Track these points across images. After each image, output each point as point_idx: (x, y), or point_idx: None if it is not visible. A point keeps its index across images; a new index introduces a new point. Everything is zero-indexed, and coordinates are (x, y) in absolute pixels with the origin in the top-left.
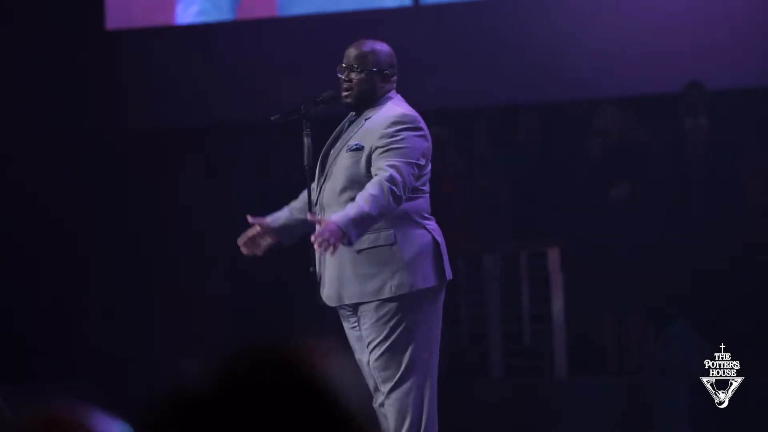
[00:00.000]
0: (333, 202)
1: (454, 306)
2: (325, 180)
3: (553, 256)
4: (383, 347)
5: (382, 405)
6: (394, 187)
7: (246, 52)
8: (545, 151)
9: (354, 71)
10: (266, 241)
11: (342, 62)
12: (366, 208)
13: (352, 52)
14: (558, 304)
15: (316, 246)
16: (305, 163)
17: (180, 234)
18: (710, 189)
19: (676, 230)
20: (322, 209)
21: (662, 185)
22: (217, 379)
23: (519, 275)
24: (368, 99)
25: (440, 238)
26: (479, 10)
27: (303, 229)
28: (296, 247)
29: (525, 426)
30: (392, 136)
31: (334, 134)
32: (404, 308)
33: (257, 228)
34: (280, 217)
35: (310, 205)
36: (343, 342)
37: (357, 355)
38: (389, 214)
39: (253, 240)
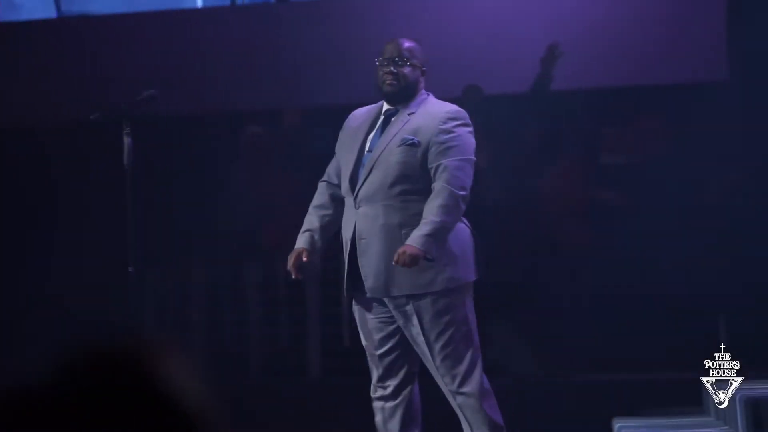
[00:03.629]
0: (380, 195)
1: (273, 305)
2: (369, 173)
3: None
4: (450, 345)
5: (456, 402)
6: (461, 192)
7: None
8: None
9: (402, 64)
10: (312, 262)
11: (385, 54)
12: (438, 219)
13: (396, 45)
14: None
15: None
16: (125, 162)
17: (18, 233)
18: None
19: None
20: (364, 202)
21: None
22: (52, 379)
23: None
24: (410, 92)
25: (474, 234)
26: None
27: (333, 232)
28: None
29: (343, 427)
30: (450, 132)
31: (359, 128)
32: (456, 301)
33: (305, 257)
34: (317, 237)
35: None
36: (173, 341)
37: (369, 345)
38: (460, 216)
39: (302, 265)
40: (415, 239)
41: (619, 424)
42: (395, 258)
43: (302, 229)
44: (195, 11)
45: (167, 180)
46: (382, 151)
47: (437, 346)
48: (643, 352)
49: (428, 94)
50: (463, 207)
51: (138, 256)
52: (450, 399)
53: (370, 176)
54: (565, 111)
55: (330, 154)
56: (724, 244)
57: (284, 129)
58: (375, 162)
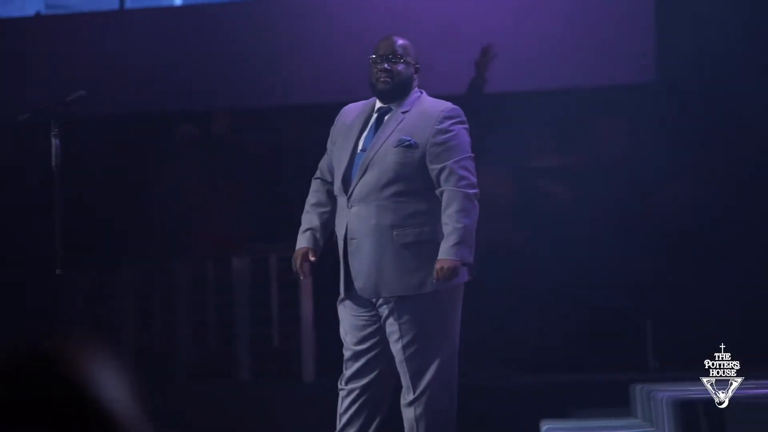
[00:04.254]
0: (373, 196)
1: (203, 308)
2: (364, 173)
3: None
4: (417, 344)
5: (409, 402)
6: (472, 190)
7: None
8: (298, 155)
9: (395, 61)
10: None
11: (378, 51)
12: (460, 225)
13: (390, 43)
14: (307, 307)
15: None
16: (53, 163)
17: None
18: None
19: None
20: (357, 202)
21: None
22: None
23: (268, 278)
24: (404, 89)
25: None
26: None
27: (332, 228)
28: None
29: (272, 428)
30: (447, 132)
31: (352, 125)
32: (442, 304)
33: (312, 256)
34: (319, 236)
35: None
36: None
37: (348, 340)
38: (477, 214)
39: (309, 266)
40: (445, 252)
41: (546, 426)
42: (435, 276)
43: (302, 228)
44: (121, 12)
45: (96, 181)
46: (377, 151)
47: (407, 352)
48: (571, 354)
49: (421, 92)
50: (477, 204)
51: (66, 258)
52: (402, 410)
53: (365, 176)
54: (497, 114)
55: (260, 155)
56: (651, 247)
57: (214, 130)
58: (369, 162)
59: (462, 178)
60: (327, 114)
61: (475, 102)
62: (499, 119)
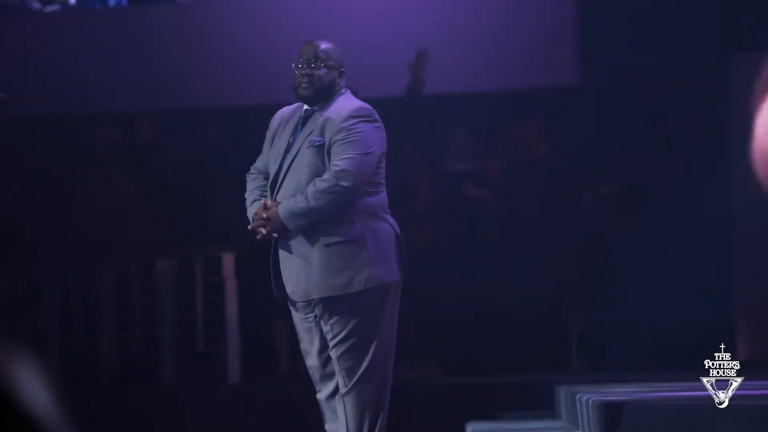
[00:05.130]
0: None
1: (126, 311)
2: (285, 175)
3: (228, 261)
4: (349, 342)
5: (335, 397)
6: (344, 182)
7: None
8: (220, 157)
9: (316, 66)
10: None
11: (301, 57)
12: (312, 203)
13: (312, 47)
14: (232, 309)
15: (250, 227)
16: None
17: None
18: None
19: None
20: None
21: None
22: None
23: (194, 280)
24: (326, 94)
25: (399, 233)
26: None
27: None
28: None
29: (197, 430)
30: (349, 130)
31: (284, 128)
32: (371, 302)
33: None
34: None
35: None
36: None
37: (303, 345)
38: (338, 206)
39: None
40: (284, 209)
41: (472, 428)
42: (253, 215)
43: (249, 204)
44: (42, 12)
45: (16, 183)
46: (296, 154)
47: (339, 350)
48: (496, 355)
49: (345, 92)
50: (342, 198)
51: None
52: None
53: (286, 180)
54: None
55: (184, 158)
56: (575, 248)
57: (137, 132)
58: (289, 165)
59: (343, 170)
60: (251, 116)
61: (414, 105)
62: (421, 121)
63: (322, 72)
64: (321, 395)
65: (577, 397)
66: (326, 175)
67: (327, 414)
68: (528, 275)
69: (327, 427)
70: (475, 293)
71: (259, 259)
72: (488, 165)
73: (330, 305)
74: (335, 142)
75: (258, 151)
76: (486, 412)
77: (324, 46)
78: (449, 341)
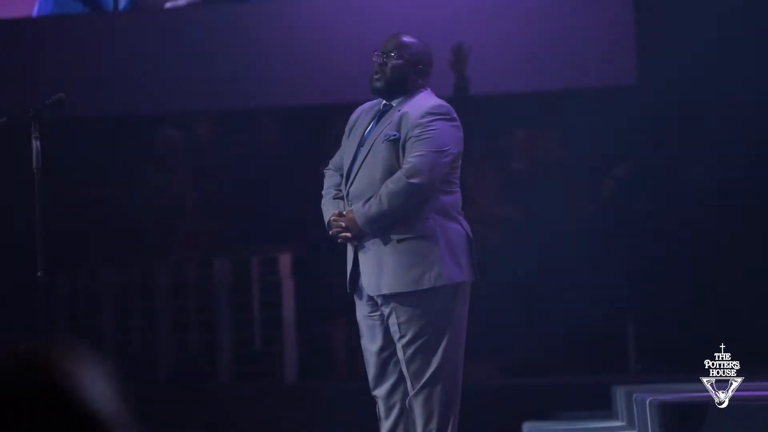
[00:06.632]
0: (369, 192)
1: (184, 311)
2: (359, 169)
3: (285, 261)
4: (417, 343)
5: (391, 395)
6: (414, 179)
7: None
8: (279, 157)
9: (390, 58)
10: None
11: (381, 48)
12: (385, 205)
13: (393, 39)
14: (289, 309)
15: (331, 232)
16: (33, 166)
17: None
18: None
19: None
20: (355, 199)
21: None
22: None
23: (250, 280)
24: (398, 87)
25: (471, 235)
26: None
27: None
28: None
29: (255, 429)
30: (425, 126)
31: (361, 122)
32: (440, 302)
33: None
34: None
35: (346, 195)
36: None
37: (364, 342)
38: (413, 205)
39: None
40: (359, 213)
41: (528, 428)
42: (332, 220)
43: (324, 203)
44: (103, 14)
45: (77, 183)
46: (371, 148)
47: (407, 351)
48: (553, 355)
49: (425, 90)
50: (416, 198)
51: (47, 261)
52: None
53: (360, 173)
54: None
55: (242, 157)
56: (635, 247)
57: (196, 132)
58: (364, 159)
59: (414, 167)
60: (309, 115)
61: (463, 104)
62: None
63: (394, 64)
64: (379, 392)
65: (635, 396)
66: (398, 174)
67: (382, 412)
68: (586, 274)
69: (381, 424)
70: (532, 294)
71: (316, 259)
72: (545, 163)
73: (399, 304)
74: (410, 138)
75: (315, 150)
76: (543, 412)
77: (405, 39)
78: (507, 341)
